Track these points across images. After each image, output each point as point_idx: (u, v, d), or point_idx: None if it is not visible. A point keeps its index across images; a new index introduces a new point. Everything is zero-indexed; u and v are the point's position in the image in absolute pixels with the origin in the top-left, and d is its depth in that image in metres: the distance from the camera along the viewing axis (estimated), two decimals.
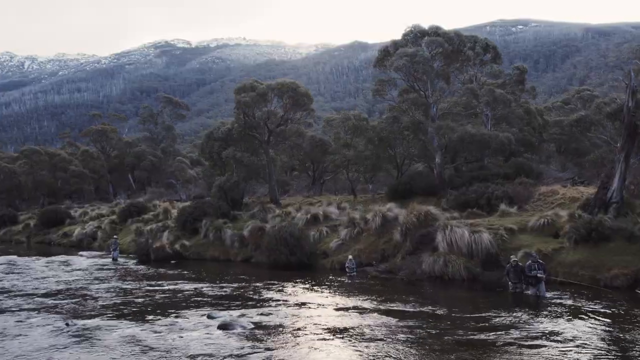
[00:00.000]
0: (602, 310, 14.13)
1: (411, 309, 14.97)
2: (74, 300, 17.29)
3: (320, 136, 42.81)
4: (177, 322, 13.81)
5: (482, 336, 11.83)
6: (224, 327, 12.91)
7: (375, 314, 14.32)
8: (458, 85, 35.42)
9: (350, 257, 22.33)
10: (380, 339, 11.67)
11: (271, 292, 18.55)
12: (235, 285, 20.25)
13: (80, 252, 34.82)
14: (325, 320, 13.75)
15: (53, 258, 30.64)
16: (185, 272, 24.19)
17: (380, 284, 19.92)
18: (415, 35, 29.16)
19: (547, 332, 12.07)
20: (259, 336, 12.18)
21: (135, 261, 29.24)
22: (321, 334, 12.34)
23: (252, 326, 13.07)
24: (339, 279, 21.44)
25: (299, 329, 12.90)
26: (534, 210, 24.49)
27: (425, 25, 29.61)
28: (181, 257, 29.69)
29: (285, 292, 18.44)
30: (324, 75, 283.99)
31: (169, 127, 64.97)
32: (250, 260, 27.84)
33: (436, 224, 22.93)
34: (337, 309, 15.19)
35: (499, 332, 12.09)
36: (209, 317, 14.25)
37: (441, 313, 14.43)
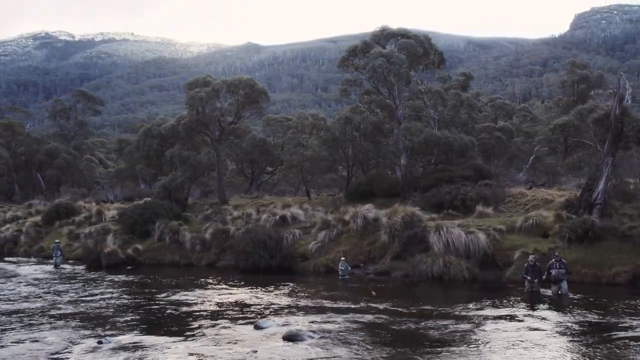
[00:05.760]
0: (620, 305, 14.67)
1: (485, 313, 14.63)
2: (73, 316, 15.18)
3: (261, 136, 41.76)
4: (226, 334, 12.53)
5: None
6: (290, 338, 11.83)
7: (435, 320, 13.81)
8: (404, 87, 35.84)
9: (343, 258, 21.70)
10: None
11: (284, 297, 17.50)
12: (235, 291, 18.95)
13: (6, 258, 31.32)
14: (393, 325, 13.07)
15: None
16: (157, 280, 22.31)
17: (383, 287, 19.49)
18: (385, 36, 29.11)
19: None
20: (337, 346, 11.28)
21: (83, 267, 26.61)
22: (395, 340, 11.68)
23: (318, 335, 12.11)
24: (335, 281, 20.74)
25: (372, 335, 12.13)
26: (510, 212, 25.22)
27: (394, 26, 29.81)
28: (135, 262, 27.45)
29: (300, 296, 17.44)
30: (216, 76, 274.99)
31: (82, 123, 60.25)
32: (215, 264, 26.31)
33: (422, 224, 22.98)
34: (385, 312, 14.49)
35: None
36: (256, 327, 13.06)
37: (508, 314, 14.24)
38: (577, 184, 26.83)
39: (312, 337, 11.94)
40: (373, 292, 18.14)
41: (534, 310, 14.73)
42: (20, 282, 21.39)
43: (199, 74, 35.48)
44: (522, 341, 11.40)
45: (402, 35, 28.95)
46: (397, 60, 26.21)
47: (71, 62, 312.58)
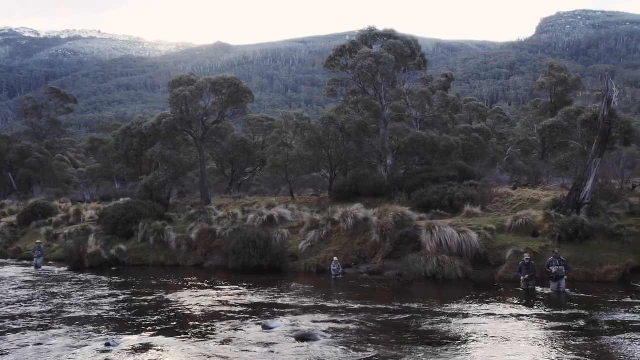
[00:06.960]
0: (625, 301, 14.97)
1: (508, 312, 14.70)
2: (77, 319, 14.73)
3: (242, 136, 41.46)
4: (236, 334, 12.33)
5: None
6: (304, 338, 11.70)
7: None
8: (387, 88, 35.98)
9: (335, 258, 21.67)
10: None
11: (282, 297, 17.32)
12: (231, 291, 18.67)
13: None
14: (399, 323, 13.06)
15: None
16: (149, 280, 21.93)
17: (378, 286, 19.45)
18: (373, 37, 29.16)
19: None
20: (353, 345, 11.20)
21: (66, 268, 26.01)
22: (406, 335, 11.67)
23: (330, 335, 12.03)
24: (329, 281, 20.75)
25: (385, 333, 12.09)
26: (497, 211, 25.50)
27: (380, 27, 29.93)
28: (119, 263, 26.96)
29: (298, 296, 17.30)
30: None
31: (54, 122, 58.88)
32: (202, 264, 26.01)
33: (413, 224, 23.11)
34: (394, 311, 14.47)
35: None
36: (265, 327, 12.89)
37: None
38: (560, 184, 27.33)
39: (325, 337, 11.84)
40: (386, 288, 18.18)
41: (535, 308, 14.91)
42: (13, 285, 20.73)
43: (182, 73, 34.95)
44: (539, 339, 11.50)
45: (388, 35, 29.07)
46: (385, 60, 26.27)
47: (36, 60, 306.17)
